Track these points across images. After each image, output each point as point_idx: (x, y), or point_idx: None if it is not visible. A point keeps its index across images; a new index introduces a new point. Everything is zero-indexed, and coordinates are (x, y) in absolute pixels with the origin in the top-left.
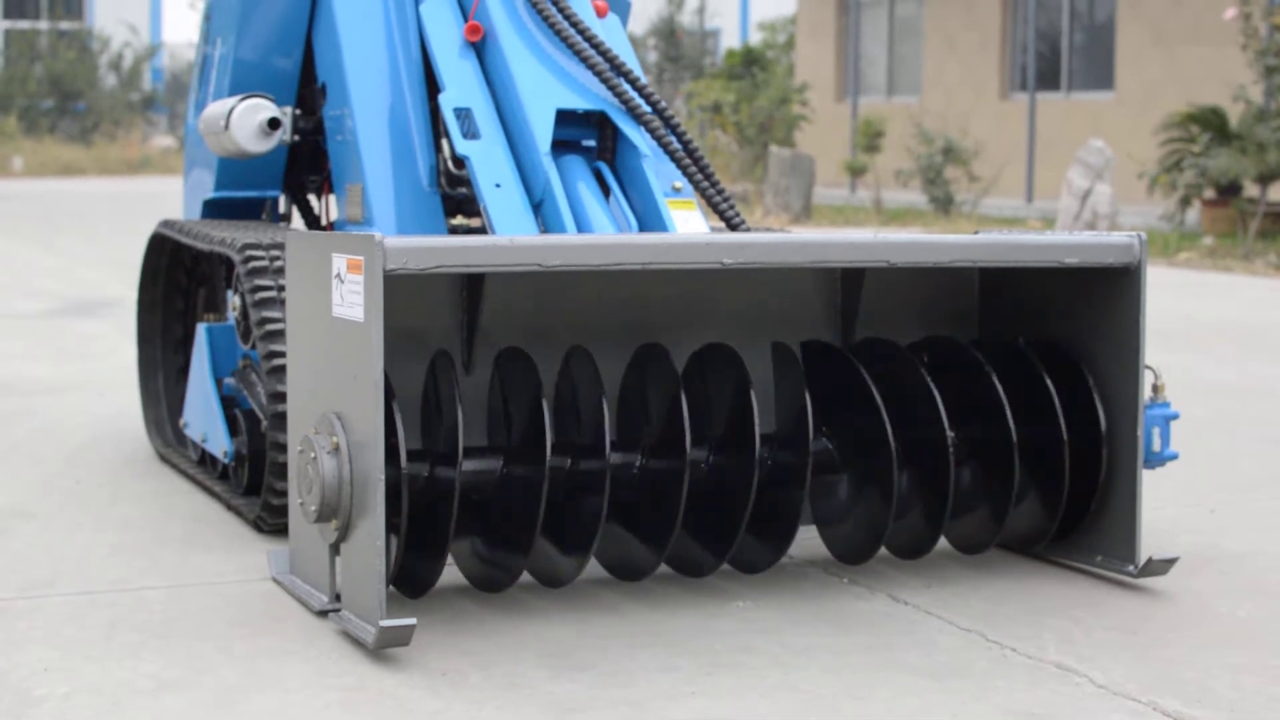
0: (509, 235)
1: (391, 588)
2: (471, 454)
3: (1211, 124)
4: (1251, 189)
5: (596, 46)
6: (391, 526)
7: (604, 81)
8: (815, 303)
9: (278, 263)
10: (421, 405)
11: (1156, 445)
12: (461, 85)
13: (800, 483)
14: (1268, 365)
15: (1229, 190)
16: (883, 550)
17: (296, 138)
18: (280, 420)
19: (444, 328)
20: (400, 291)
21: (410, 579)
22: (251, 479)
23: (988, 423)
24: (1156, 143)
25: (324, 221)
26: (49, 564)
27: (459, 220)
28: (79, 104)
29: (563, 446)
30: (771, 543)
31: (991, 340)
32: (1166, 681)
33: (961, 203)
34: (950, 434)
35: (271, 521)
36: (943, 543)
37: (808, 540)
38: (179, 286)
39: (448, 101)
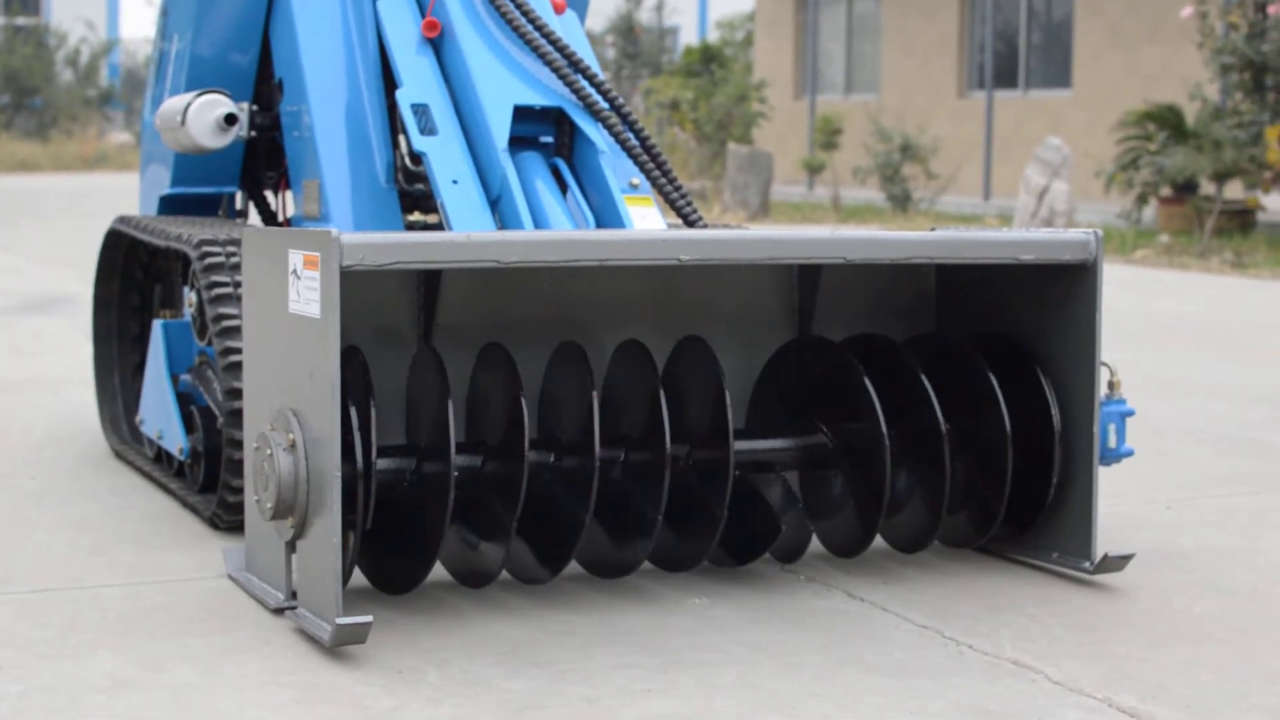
0: (466, 231)
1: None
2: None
3: (1168, 122)
4: (1208, 187)
5: (554, 43)
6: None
7: (561, 78)
8: (772, 300)
9: (234, 259)
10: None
11: (1112, 442)
12: (419, 81)
13: (721, 479)
14: (1223, 362)
15: (1185, 188)
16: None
17: (253, 133)
18: (236, 417)
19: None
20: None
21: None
22: (207, 476)
23: (971, 417)
24: (1113, 141)
25: (281, 218)
26: (4, 562)
27: (416, 216)
28: (35, 100)
29: (544, 443)
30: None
31: (947, 336)
32: (1122, 678)
33: (919, 200)
34: (945, 428)
35: (227, 519)
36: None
37: None
38: (135, 283)
39: (405, 98)
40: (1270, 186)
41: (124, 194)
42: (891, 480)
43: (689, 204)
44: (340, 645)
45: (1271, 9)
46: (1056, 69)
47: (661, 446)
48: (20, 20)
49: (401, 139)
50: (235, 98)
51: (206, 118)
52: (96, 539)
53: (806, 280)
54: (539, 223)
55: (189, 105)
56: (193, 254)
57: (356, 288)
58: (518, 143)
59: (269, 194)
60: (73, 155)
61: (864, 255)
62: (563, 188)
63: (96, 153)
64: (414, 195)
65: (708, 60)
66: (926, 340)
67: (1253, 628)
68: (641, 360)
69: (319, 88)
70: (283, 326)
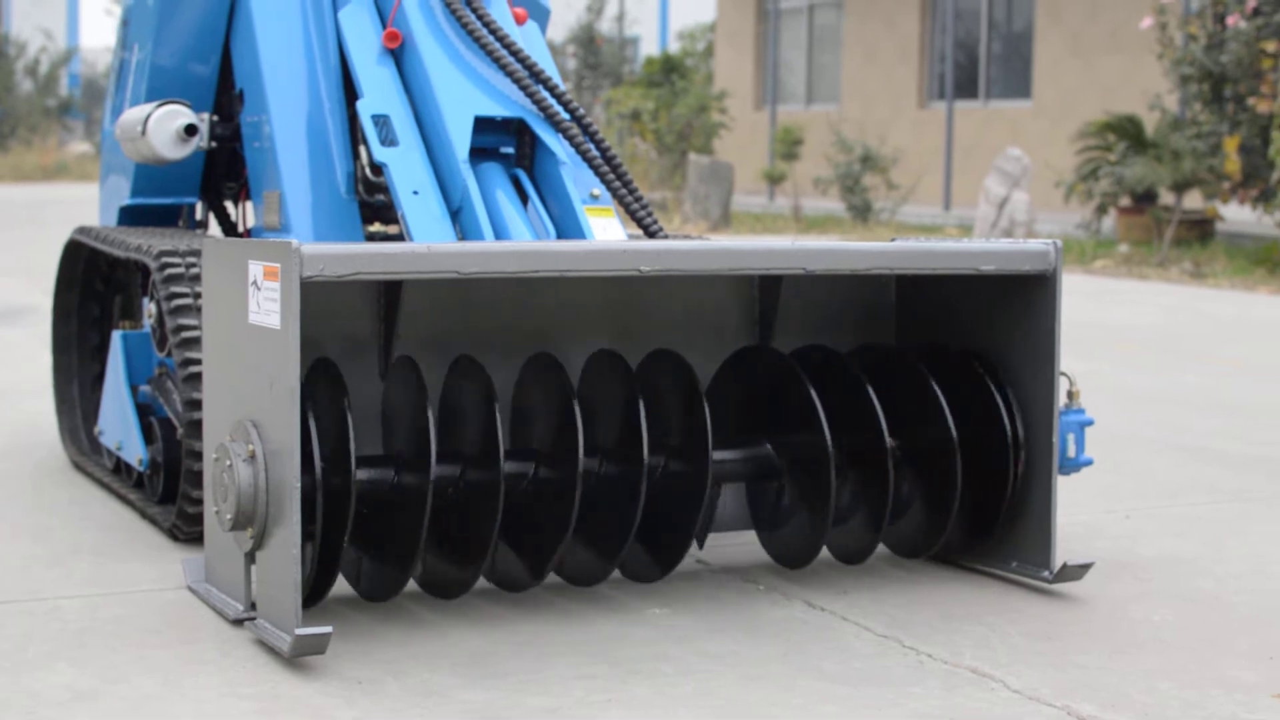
0: (426, 242)
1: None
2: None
3: (1127, 133)
4: (1167, 197)
5: (515, 54)
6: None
7: (522, 89)
8: (733, 310)
9: (194, 270)
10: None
11: (1071, 451)
12: (380, 92)
13: (698, 493)
14: (1182, 372)
15: (1144, 198)
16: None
17: (213, 144)
18: (196, 428)
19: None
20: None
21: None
22: (167, 487)
23: (916, 429)
24: (1073, 151)
25: (241, 228)
26: None
27: (377, 227)
28: None
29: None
30: (663, 555)
31: (908, 346)
32: (1082, 686)
33: (880, 210)
34: (890, 442)
35: (187, 530)
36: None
37: (722, 548)
38: (95, 293)
39: (366, 108)
40: (1229, 197)
41: (84, 204)
42: (837, 492)
43: (650, 214)
44: (300, 656)
45: (1230, 20)
46: (1017, 79)
47: (640, 457)
48: None
49: (362, 150)
50: (196, 108)
51: (167, 128)
52: (55, 550)
53: (767, 291)
54: (500, 233)
55: (149, 116)
56: (153, 265)
57: (320, 297)
58: (478, 153)
59: (229, 205)
60: (32, 165)
61: (824, 266)
62: (523, 198)
63: (56, 163)
64: (375, 206)
65: (668, 71)
66: (874, 351)
67: (1211, 636)
68: (617, 371)
69: (279, 98)
70: (243, 337)
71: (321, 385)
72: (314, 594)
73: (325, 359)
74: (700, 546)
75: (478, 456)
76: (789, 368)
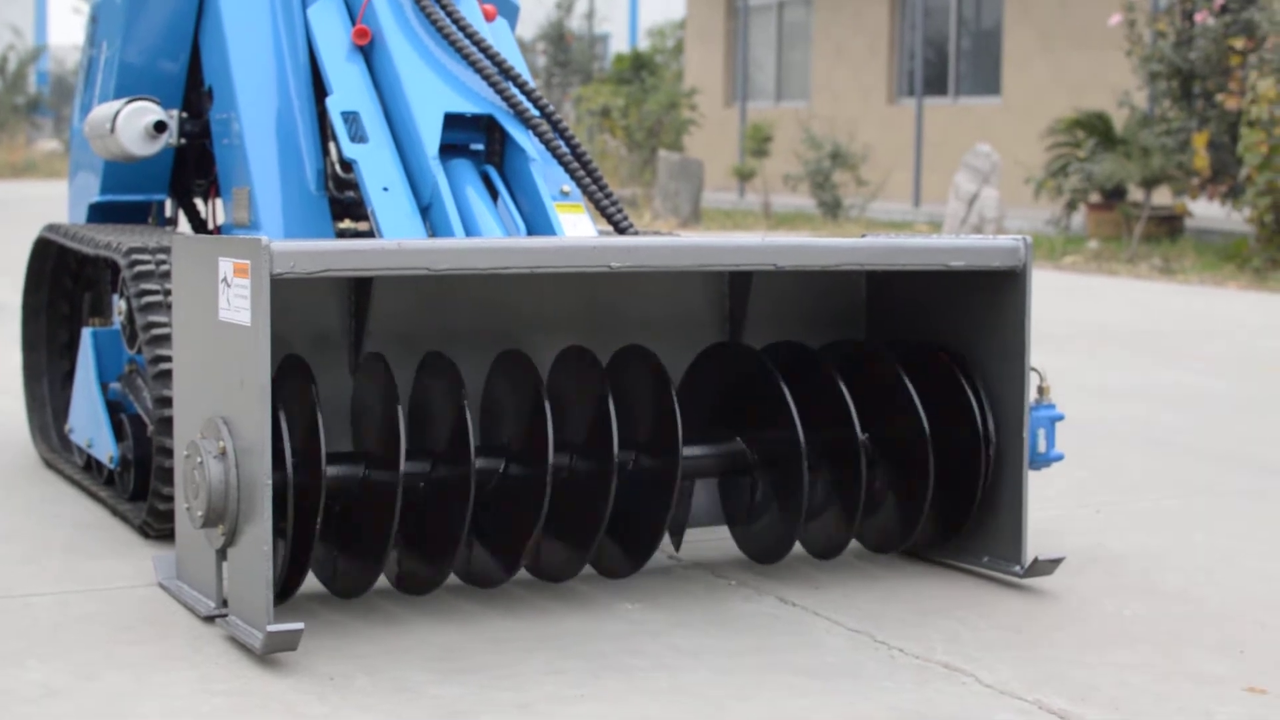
0: (397, 239)
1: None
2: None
3: (1097, 129)
4: (1136, 193)
5: (484, 50)
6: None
7: (492, 85)
8: (704, 307)
9: (164, 267)
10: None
11: (1042, 446)
12: (349, 88)
13: (667, 490)
14: (1151, 367)
15: (1114, 194)
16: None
17: (183, 141)
18: (167, 425)
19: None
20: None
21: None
22: (137, 484)
23: (889, 424)
24: (1043, 147)
25: (210, 225)
26: None
27: (346, 224)
28: None
29: (490, 449)
30: (634, 551)
31: (877, 342)
32: (1053, 680)
33: (849, 207)
34: (863, 436)
35: (158, 527)
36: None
37: (693, 544)
38: (64, 291)
39: (335, 105)
40: (1198, 193)
41: (53, 202)
42: (810, 487)
43: (620, 211)
44: (271, 652)
45: (1198, 17)
46: (986, 76)
47: (610, 454)
48: None
49: (332, 146)
50: (165, 105)
51: (136, 125)
52: (26, 548)
53: (738, 287)
54: (470, 230)
55: (118, 113)
56: (122, 262)
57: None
58: (448, 150)
59: (199, 201)
60: (0, 163)
61: (795, 262)
62: (494, 195)
63: (25, 160)
64: (345, 203)
65: (638, 67)
66: (846, 346)
67: (1181, 630)
68: (586, 367)
69: (249, 95)
70: (213, 334)
71: (373, 379)
72: (360, 586)
73: (376, 354)
74: (677, 547)
75: (523, 451)
76: (760, 363)
